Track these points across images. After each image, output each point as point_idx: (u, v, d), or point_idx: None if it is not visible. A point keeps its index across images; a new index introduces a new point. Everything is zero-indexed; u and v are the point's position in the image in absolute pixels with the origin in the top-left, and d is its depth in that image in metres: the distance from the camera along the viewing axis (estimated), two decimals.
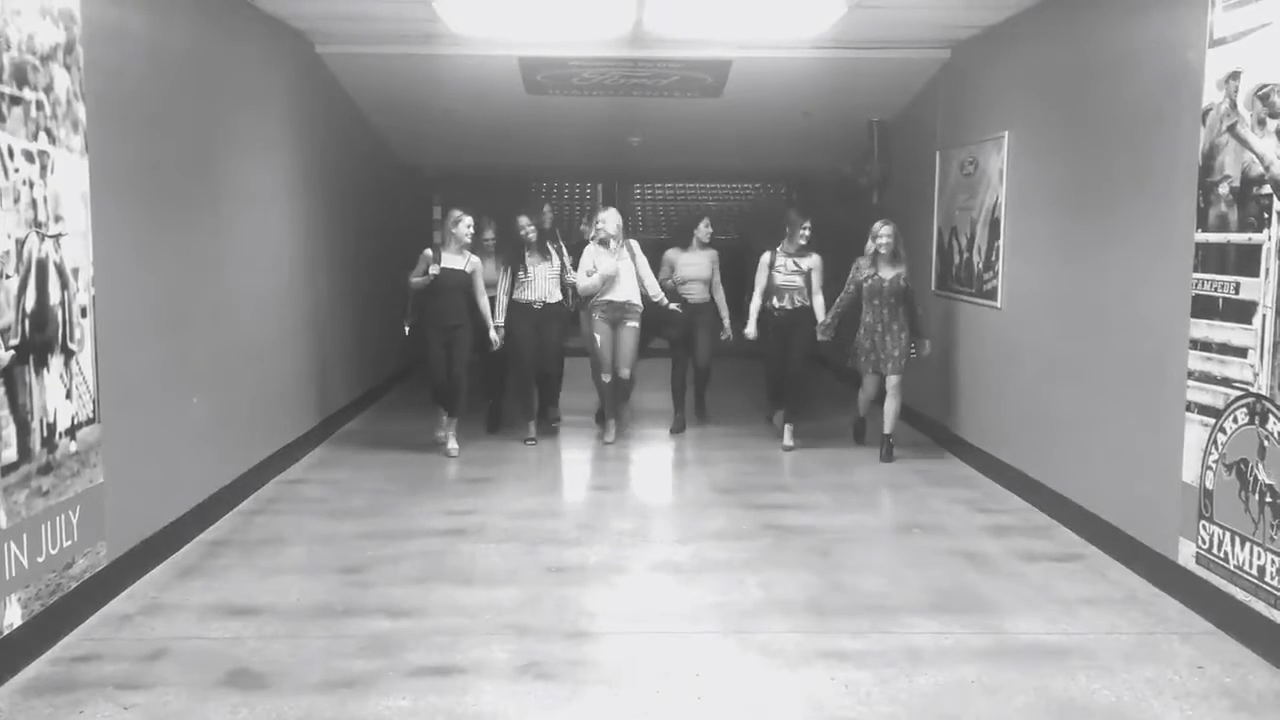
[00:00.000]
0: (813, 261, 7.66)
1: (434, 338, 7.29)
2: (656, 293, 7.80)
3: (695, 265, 8.21)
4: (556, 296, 7.85)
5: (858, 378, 7.66)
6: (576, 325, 8.15)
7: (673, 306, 7.86)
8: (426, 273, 7.14)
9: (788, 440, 7.65)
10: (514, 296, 7.70)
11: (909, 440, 7.85)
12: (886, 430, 7.30)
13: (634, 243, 7.89)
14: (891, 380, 7.26)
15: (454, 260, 7.27)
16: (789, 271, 7.61)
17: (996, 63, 7.06)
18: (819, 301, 7.62)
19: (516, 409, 8.00)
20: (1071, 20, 5.86)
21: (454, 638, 4.18)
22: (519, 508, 6.13)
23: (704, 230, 8.26)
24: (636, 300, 7.73)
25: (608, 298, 7.69)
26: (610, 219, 7.79)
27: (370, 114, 9.39)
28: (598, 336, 7.71)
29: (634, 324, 7.76)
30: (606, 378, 7.79)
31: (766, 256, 7.69)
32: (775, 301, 7.65)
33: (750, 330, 7.78)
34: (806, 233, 7.61)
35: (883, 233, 7.25)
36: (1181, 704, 3.67)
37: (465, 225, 7.29)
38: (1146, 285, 4.99)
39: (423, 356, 7.52)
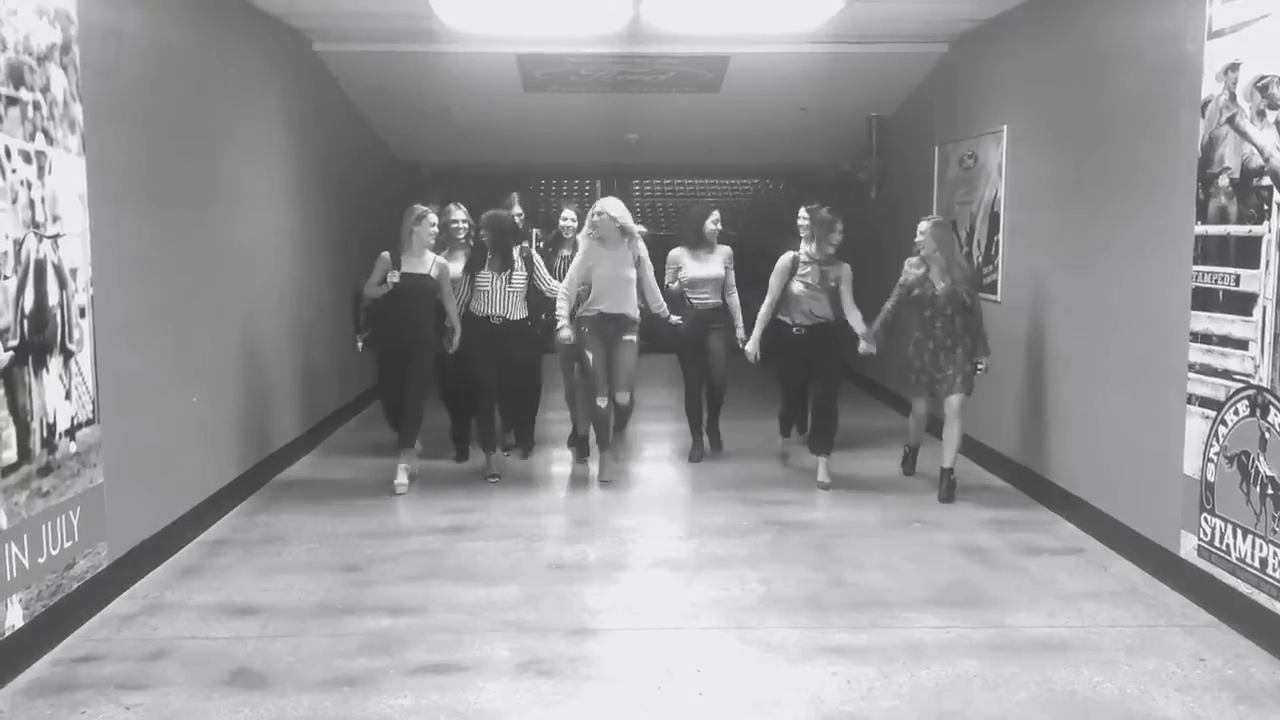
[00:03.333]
0: (842, 271, 6.46)
1: (391, 355, 6.43)
2: (659, 306, 6.67)
3: (705, 265, 6.99)
4: (519, 313, 6.63)
5: (904, 403, 6.89)
6: (549, 345, 7.04)
7: (673, 320, 6.73)
8: (385, 280, 6.22)
9: (823, 476, 6.51)
10: (470, 307, 6.59)
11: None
12: (945, 463, 6.20)
13: (640, 243, 6.54)
14: (952, 403, 6.12)
15: (416, 263, 6.29)
16: (815, 282, 6.41)
17: (995, 56, 7.05)
18: (856, 316, 6.46)
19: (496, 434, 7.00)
20: (1069, 13, 5.85)
21: (455, 635, 4.18)
22: (518, 505, 6.13)
23: (711, 227, 7.01)
24: (632, 312, 6.49)
25: (598, 309, 6.43)
26: (600, 213, 6.45)
27: (368, 112, 9.39)
28: (589, 354, 6.48)
29: (631, 338, 6.50)
30: (602, 402, 6.52)
31: (787, 259, 6.48)
32: (793, 316, 6.49)
33: (751, 348, 6.58)
34: (838, 237, 6.44)
35: (920, 229, 6.20)
36: (1184, 696, 3.67)
37: (430, 224, 6.32)
38: (1146, 278, 4.99)
39: (379, 377, 6.56)
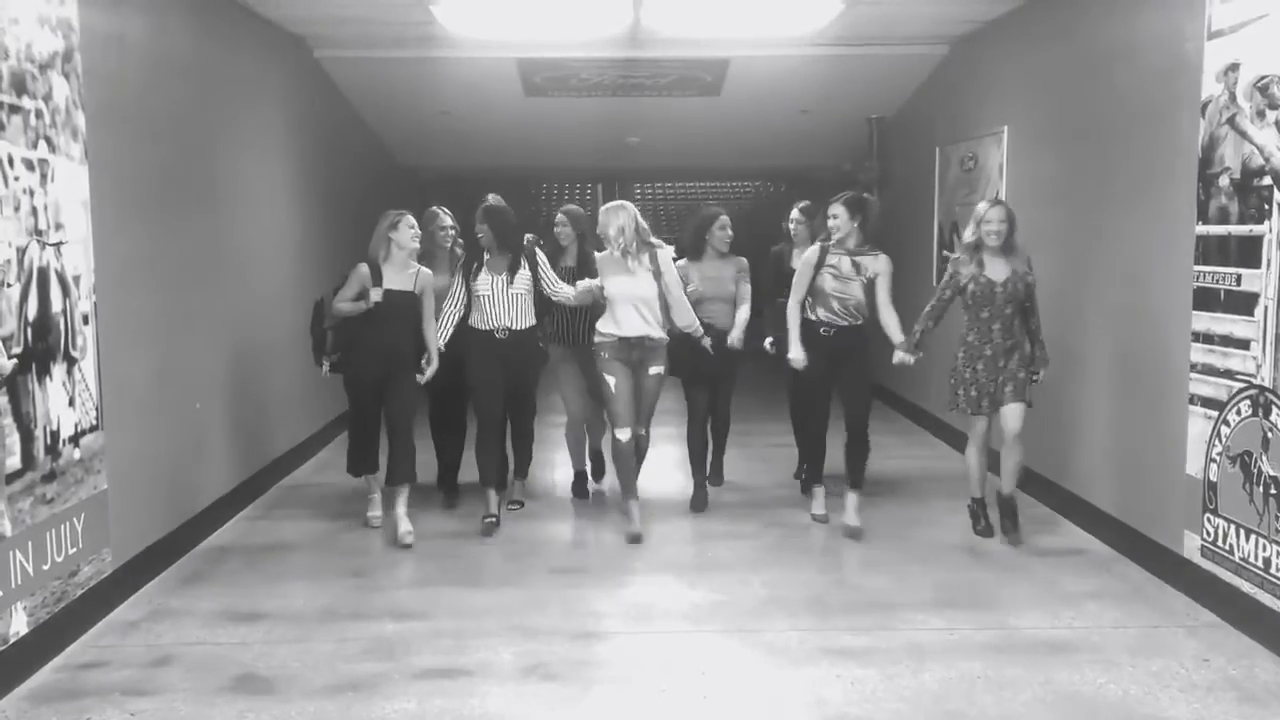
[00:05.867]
0: (881, 264, 5.47)
1: (365, 381, 5.49)
2: (690, 323, 5.63)
3: (714, 280, 6.00)
4: (528, 320, 5.69)
5: (952, 433, 6.15)
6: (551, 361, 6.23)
7: (705, 343, 5.74)
8: (364, 296, 5.34)
9: (852, 518, 5.56)
10: (469, 321, 5.69)
11: (909, 438, 7.83)
12: (1005, 489, 5.40)
13: (664, 252, 5.57)
14: (1010, 414, 5.28)
15: (398, 279, 5.41)
16: (845, 273, 5.44)
17: (995, 57, 7.06)
18: (892, 317, 5.47)
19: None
20: (1069, 14, 5.86)
21: (459, 640, 4.18)
22: (522, 510, 6.12)
23: (720, 235, 6.02)
24: (656, 334, 5.54)
25: (615, 333, 5.52)
26: (608, 222, 5.49)
27: (369, 117, 9.42)
28: (611, 380, 5.49)
29: (658, 370, 5.60)
30: (624, 435, 5.55)
31: (813, 252, 5.54)
32: (820, 313, 5.52)
33: (796, 354, 5.53)
34: (836, 220, 5.43)
35: (992, 217, 5.22)
36: (1188, 697, 3.66)
37: (409, 229, 5.42)
38: (1148, 278, 4.99)
39: (350, 407, 5.69)
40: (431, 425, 6.31)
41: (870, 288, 5.47)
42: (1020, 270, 5.24)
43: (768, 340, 6.16)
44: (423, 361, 5.51)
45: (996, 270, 5.23)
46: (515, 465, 6.15)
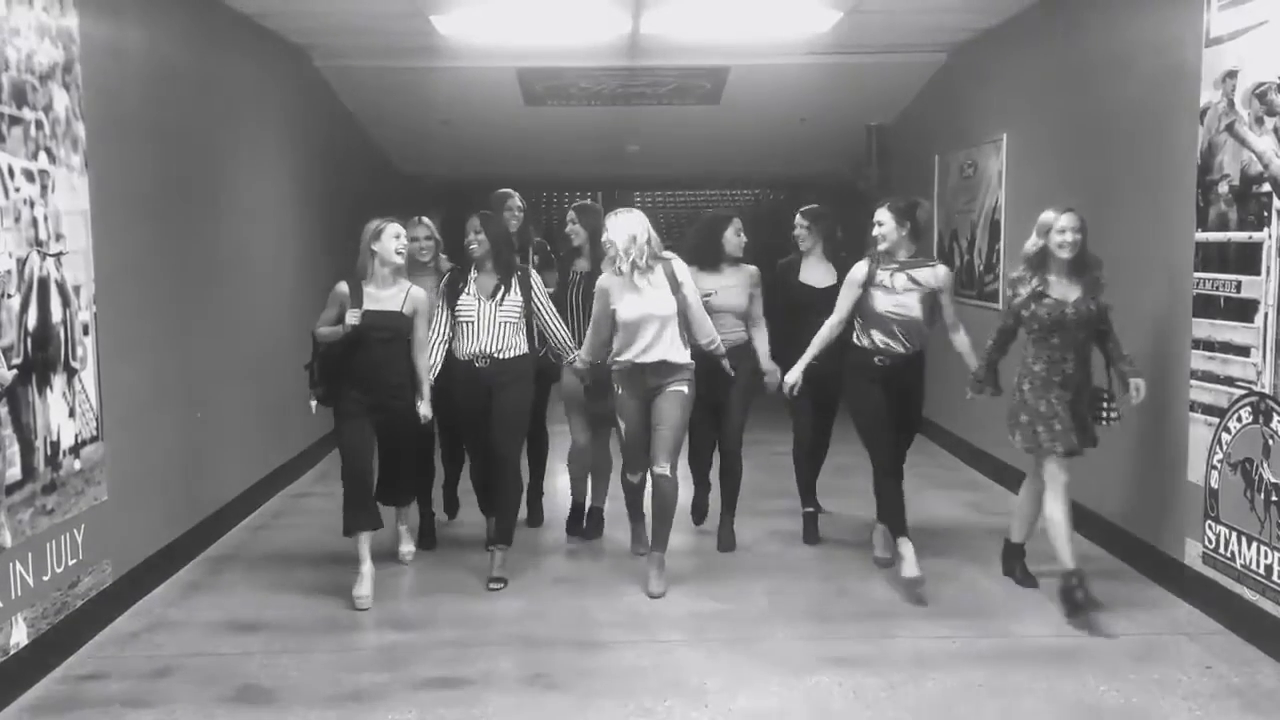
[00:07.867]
0: (940, 277, 4.81)
1: (354, 411, 4.73)
2: (711, 336, 4.92)
3: (725, 290, 5.27)
4: (516, 349, 4.96)
5: (1006, 471, 5.61)
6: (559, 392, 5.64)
7: (725, 363, 5.06)
8: (341, 320, 4.66)
9: (912, 570, 4.70)
10: (451, 349, 5.02)
11: (919, 452, 7.83)
12: (1068, 562, 4.47)
13: (677, 264, 4.83)
14: (1070, 464, 4.53)
15: (383, 298, 4.71)
16: (901, 290, 4.75)
17: (994, 65, 7.07)
18: (964, 339, 4.86)
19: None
20: (1068, 21, 5.87)
21: (461, 649, 4.18)
22: (523, 518, 6.10)
23: (735, 238, 5.33)
24: (677, 357, 4.77)
25: (629, 357, 4.78)
26: (619, 230, 4.71)
27: (370, 127, 9.43)
28: (622, 425, 4.91)
29: (679, 388, 4.78)
30: (635, 477, 5.04)
31: (860, 269, 4.82)
32: (876, 338, 4.82)
33: (792, 378, 4.95)
34: (882, 229, 4.80)
35: (1067, 225, 4.38)
36: (1190, 704, 3.66)
37: (393, 239, 4.74)
38: (1147, 285, 4.99)
39: (339, 446, 4.91)
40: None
41: (930, 308, 4.81)
42: (1091, 286, 4.47)
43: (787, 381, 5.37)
44: (417, 399, 4.83)
45: (1065, 289, 4.46)
46: (496, 520, 5.13)
